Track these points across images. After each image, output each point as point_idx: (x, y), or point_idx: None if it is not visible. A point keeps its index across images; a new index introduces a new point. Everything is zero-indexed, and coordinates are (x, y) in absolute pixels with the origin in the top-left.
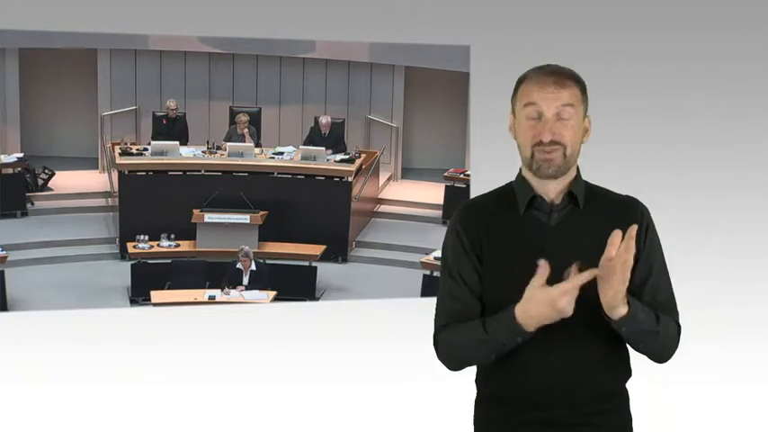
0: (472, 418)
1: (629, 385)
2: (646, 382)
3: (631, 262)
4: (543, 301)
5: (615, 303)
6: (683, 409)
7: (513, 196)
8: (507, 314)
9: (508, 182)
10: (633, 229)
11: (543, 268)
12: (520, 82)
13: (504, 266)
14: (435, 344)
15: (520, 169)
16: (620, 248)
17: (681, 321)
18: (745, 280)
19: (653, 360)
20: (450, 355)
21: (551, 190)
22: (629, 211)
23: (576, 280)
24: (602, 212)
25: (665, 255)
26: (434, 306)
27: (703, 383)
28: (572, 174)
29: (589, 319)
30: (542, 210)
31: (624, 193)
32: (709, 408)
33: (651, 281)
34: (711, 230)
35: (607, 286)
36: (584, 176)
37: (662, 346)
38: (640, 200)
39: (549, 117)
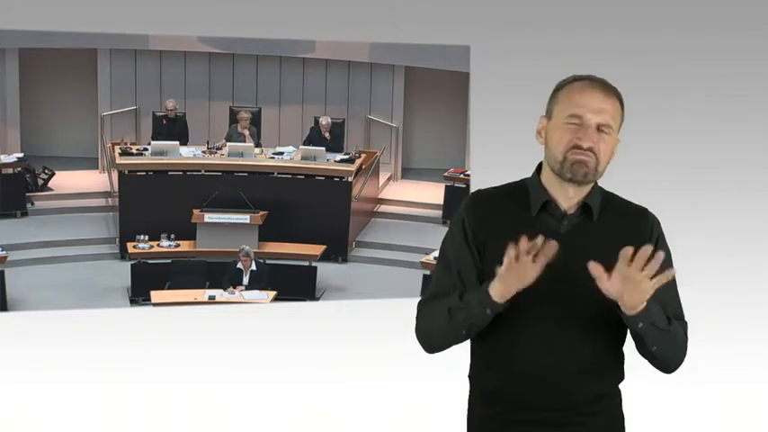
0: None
1: (626, 386)
2: (644, 382)
3: (650, 274)
4: (517, 270)
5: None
6: (681, 409)
7: (525, 195)
8: (484, 284)
9: (521, 179)
10: (647, 248)
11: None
12: (561, 87)
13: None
14: (416, 321)
15: (536, 171)
16: (634, 261)
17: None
18: (745, 281)
19: (661, 370)
20: (424, 329)
21: (568, 199)
22: (639, 223)
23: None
24: (613, 222)
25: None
26: None
27: (703, 384)
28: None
29: (583, 322)
30: (555, 216)
31: (637, 203)
32: (709, 408)
33: (661, 295)
34: (711, 231)
35: (632, 291)
36: None
37: (673, 350)
38: (648, 207)
39: (591, 124)
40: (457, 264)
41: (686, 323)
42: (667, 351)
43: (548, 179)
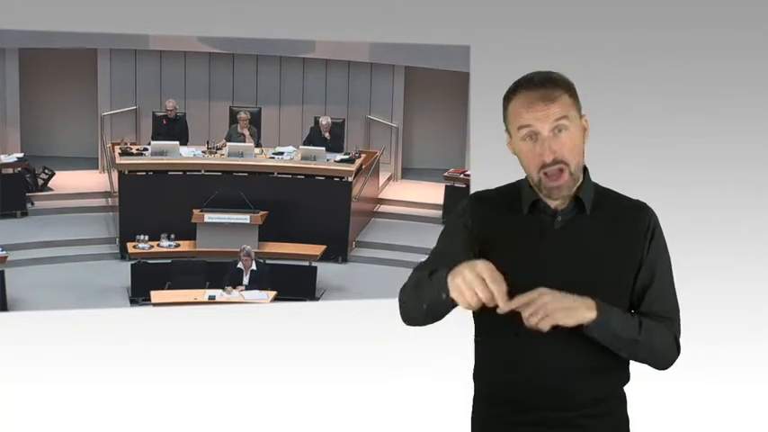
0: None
1: (629, 386)
2: (646, 382)
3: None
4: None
5: (573, 316)
6: (684, 409)
7: (519, 196)
8: (449, 270)
9: (518, 180)
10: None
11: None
12: (507, 101)
13: (506, 266)
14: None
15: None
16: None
17: (682, 325)
18: (746, 281)
19: (651, 367)
20: (401, 297)
21: (555, 199)
22: (636, 217)
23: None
24: (608, 217)
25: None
26: None
27: (704, 384)
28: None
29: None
30: (547, 212)
31: (634, 197)
32: (710, 408)
33: (651, 290)
34: (710, 231)
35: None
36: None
37: (648, 355)
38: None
39: (545, 136)
40: (447, 256)
41: (677, 324)
42: (640, 357)
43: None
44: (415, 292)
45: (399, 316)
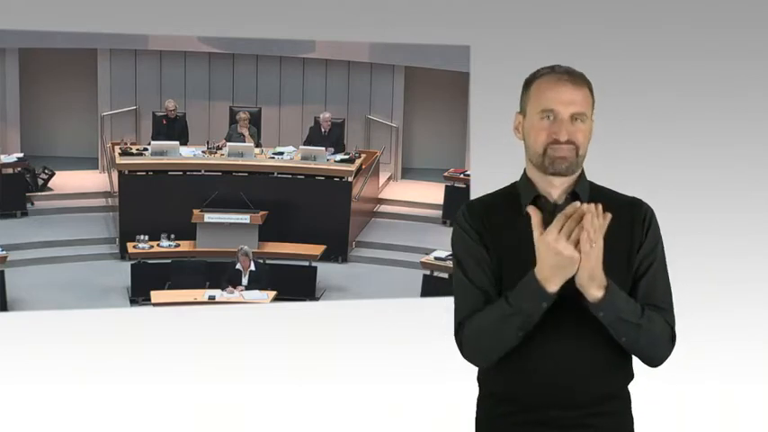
0: (474, 415)
1: (632, 386)
2: (648, 380)
3: (601, 243)
4: (547, 250)
5: (588, 282)
6: (686, 408)
7: (516, 196)
8: (528, 279)
9: (512, 182)
10: (596, 207)
11: (533, 214)
12: (530, 82)
13: (506, 265)
14: (459, 343)
15: (524, 170)
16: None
17: (681, 325)
18: (747, 280)
19: (644, 363)
20: (478, 345)
21: (555, 189)
22: (632, 212)
23: (559, 219)
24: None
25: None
26: (439, 307)
27: (706, 383)
28: (577, 173)
29: (591, 321)
30: (545, 209)
31: (630, 195)
32: (711, 408)
33: (646, 280)
34: (710, 231)
35: (583, 263)
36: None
37: (648, 343)
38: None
39: (564, 118)
40: (475, 263)
41: (672, 315)
42: (638, 344)
43: (533, 174)
44: (503, 329)
45: (472, 362)
